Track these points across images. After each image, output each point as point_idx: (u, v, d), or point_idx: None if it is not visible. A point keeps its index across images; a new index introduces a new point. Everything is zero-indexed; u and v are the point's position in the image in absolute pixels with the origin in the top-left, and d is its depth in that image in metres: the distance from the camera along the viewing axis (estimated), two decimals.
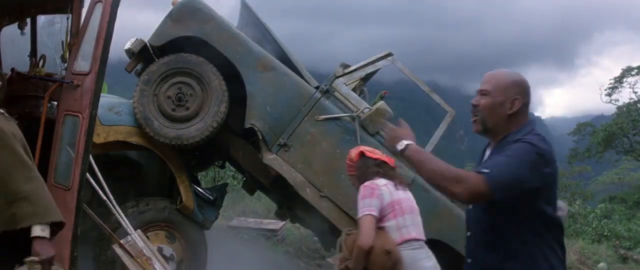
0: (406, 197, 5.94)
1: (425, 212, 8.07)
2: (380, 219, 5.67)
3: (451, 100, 9.37)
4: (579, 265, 15.25)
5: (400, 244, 5.65)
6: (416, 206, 6.07)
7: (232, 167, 12.52)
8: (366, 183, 5.77)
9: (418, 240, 5.86)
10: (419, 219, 6.01)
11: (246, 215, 17.79)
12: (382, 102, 8.49)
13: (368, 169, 5.95)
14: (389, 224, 5.70)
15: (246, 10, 9.51)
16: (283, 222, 14.35)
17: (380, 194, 5.70)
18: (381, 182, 5.84)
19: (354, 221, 7.99)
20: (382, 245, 5.46)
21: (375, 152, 6.20)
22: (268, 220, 16.19)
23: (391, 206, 5.72)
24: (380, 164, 6.03)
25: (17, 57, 7.16)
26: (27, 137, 4.53)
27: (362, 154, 6.12)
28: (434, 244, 8.20)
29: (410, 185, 7.98)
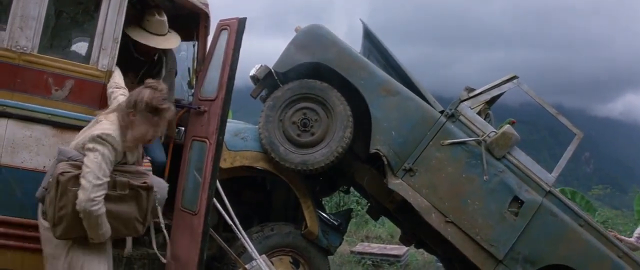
0: None
1: (553, 236, 7.93)
2: None
3: (577, 122, 9.13)
4: None
5: None
6: None
7: (356, 192, 12.49)
8: None
9: None
10: None
11: (369, 241, 17.79)
12: (508, 126, 8.33)
13: None
14: None
15: (368, 36, 9.49)
16: (407, 248, 14.26)
17: None
18: None
19: (479, 247, 7.88)
20: None
21: None
22: (391, 246, 16.14)
23: None
24: None
25: None
26: None
27: None
28: None
29: (538, 210, 7.85)
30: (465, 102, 8.32)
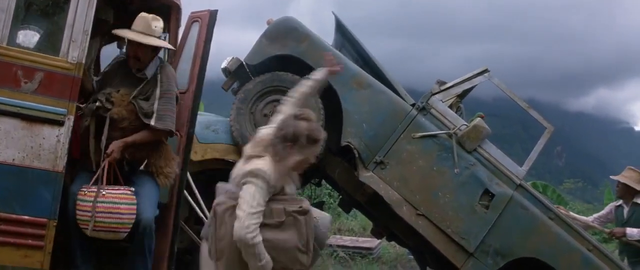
0: None
1: (523, 229, 7.98)
2: None
3: (549, 116, 9.21)
4: None
5: None
6: None
7: (328, 185, 12.51)
8: None
9: None
10: None
11: (342, 233, 17.82)
12: (479, 119, 8.38)
13: None
14: None
15: (341, 29, 9.51)
16: (379, 240, 14.31)
17: None
18: None
19: (450, 239, 7.93)
20: None
21: None
22: (364, 238, 16.19)
23: None
24: None
25: None
26: None
27: None
28: (532, 262, 8.10)
29: (508, 203, 7.90)
30: (436, 96, 8.35)
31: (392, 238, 9.90)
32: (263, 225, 4.72)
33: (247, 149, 5.11)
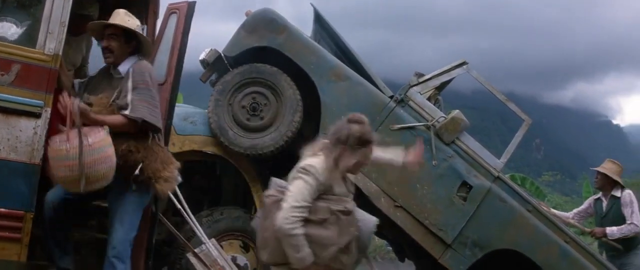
0: None
1: (502, 222, 8.00)
2: None
3: (528, 108, 9.24)
4: None
5: None
6: None
7: None
8: None
9: None
10: None
11: None
12: (457, 111, 8.38)
13: None
14: None
15: (319, 20, 9.50)
16: None
17: None
18: None
19: (428, 231, 7.94)
20: None
21: None
22: None
23: None
24: None
25: (97, 68, 7.21)
26: None
27: None
28: (510, 254, 8.12)
29: (486, 195, 7.91)
30: (414, 88, 8.35)
31: None
32: (306, 221, 4.94)
33: (306, 149, 5.41)
